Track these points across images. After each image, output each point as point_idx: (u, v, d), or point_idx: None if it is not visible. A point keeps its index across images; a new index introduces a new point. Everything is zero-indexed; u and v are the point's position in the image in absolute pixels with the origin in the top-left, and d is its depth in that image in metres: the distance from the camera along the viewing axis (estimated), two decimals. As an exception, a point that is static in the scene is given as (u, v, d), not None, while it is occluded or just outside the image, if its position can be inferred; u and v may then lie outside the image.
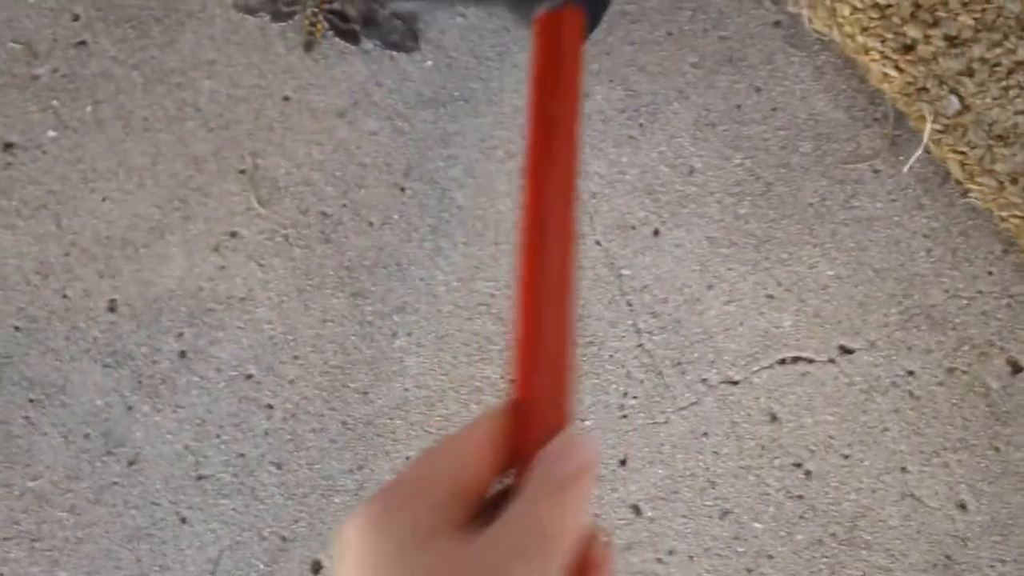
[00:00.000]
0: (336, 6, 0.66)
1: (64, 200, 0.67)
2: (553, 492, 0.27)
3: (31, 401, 0.61)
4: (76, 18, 0.72)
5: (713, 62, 0.68)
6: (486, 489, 0.29)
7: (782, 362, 0.60)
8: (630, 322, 0.61)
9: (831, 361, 0.60)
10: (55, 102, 0.70)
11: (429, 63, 0.68)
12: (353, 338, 0.62)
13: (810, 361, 0.60)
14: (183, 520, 0.58)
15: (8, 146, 0.69)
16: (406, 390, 0.61)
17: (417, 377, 0.61)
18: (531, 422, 0.30)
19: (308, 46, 0.66)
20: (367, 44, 0.66)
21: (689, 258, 0.63)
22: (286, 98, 0.67)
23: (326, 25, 0.66)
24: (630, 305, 0.62)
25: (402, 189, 0.65)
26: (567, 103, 0.44)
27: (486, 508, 0.29)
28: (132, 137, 0.67)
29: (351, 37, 0.66)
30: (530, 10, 0.51)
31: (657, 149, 0.66)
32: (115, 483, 0.59)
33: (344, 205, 0.65)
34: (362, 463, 0.59)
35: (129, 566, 0.57)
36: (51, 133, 0.69)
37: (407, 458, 0.59)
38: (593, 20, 0.52)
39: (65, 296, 0.64)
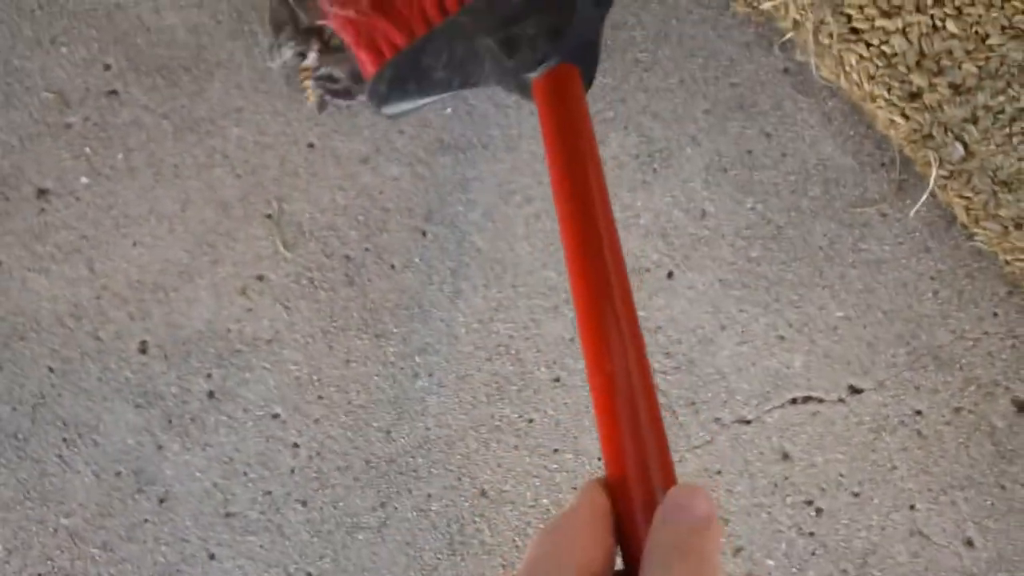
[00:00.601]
0: (323, 71, 0.69)
1: (96, 245, 0.71)
2: (683, 549, 0.25)
3: (64, 440, 0.65)
4: (107, 68, 0.76)
5: (724, 108, 0.71)
6: (612, 567, 0.28)
7: (793, 402, 0.63)
8: (645, 363, 0.64)
9: (841, 400, 0.63)
10: (87, 149, 0.74)
11: (449, 111, 0.71)
12: (376, 378, 0.65)
13: (820, 401, 0.63)
14: (212, 556, 0.61)
15: (42, 192, 0.72)
16: (428, 429, 0.64)
17: (438, 416, 0.64)
18: (633, 492, 0.30)
19: (320, 107, 0.70)
20: (363, 97, 0.70)
21: (702, 300, 0.66)
22: (311, 145, 0.71)
23: (321, 91, 0.69)
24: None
25: (423, 233, 0.69)
26: (590, 162, 0.47)
27: None
28: (162, 184, 0.71)
29: (345, 95, 0.69)
30: (525, 80, 0.54)
31: (670, 193, 0.69)
32: (146, 520, 0.62)
33: (367, 249, 0.68)
34: (384, 500, 0.62)
35: (160, 602, 0.60)
36: (83, 180, 0.73)
37: (428, 496, 0.62)
38: (587, 74, 0.55)
39: (97, 338, 0.68)
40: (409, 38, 0.58)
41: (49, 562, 0.62)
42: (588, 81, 0.55)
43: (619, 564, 0.29)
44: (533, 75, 0.53)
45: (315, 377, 0.65)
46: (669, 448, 0.33)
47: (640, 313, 0.65)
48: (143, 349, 0.67)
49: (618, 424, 0.32)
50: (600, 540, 0.27)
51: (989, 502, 0.59)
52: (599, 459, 0.62)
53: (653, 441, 0.32)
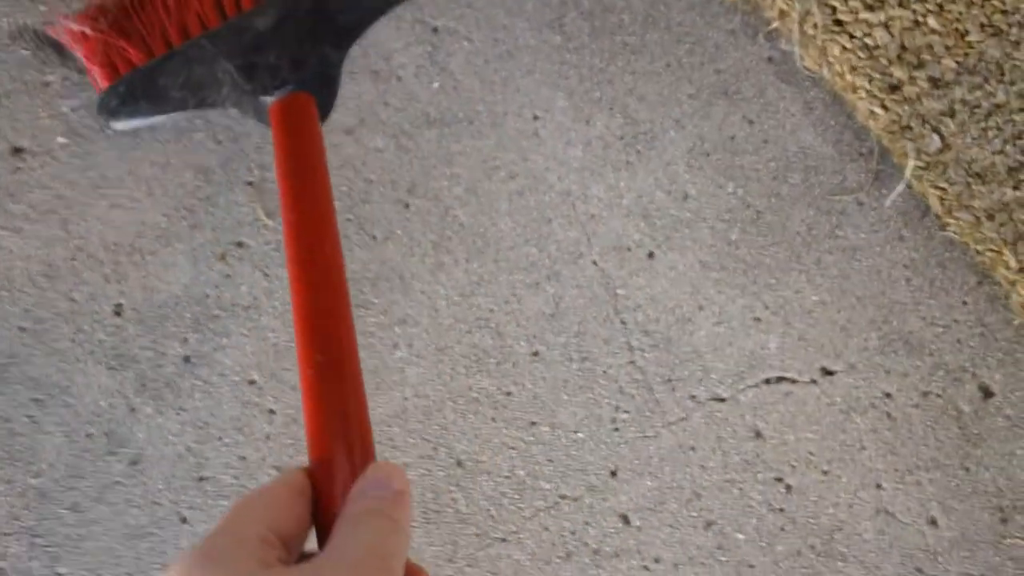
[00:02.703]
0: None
1: (72, 205, 0.72)
2: (375, 512, 0.28)
3: (35, 400, 0.66)
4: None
5: (709, 94, 0.75)
6: (303, 537, 0.31)
7: (767, 382, 0.67)
8: (623, 340, 0.68)
9: (813, 382, 0.67)
10: (64, 109, 0.75)
11: (436, 85, 0.74)
12: (355, 348, 0.68)
13: (793, 381, 0.67)
14: (183, 520, 0.63)
15: (17, 150, 0.74)
16: (405, 399, 0.66)
17: (416, 387, 0.67)
18: (334, 477, 0.33)
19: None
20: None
21: (682, 280, 0.69)
22: (294, 113, 0.73)
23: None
24: (624, 323, 0.68)
25: (406, 205, 0.71)
26: (317, 185, 0.50)
27: (306, 557, 0.30)
28: (141, 147, 0.73)
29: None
30: (262, 105, 0.58)
31: (653, 175, 0.72)
32: (117, 482, 0.64)
33: (349, 219, 0.71)
34: (361, 469, 0.65)
35: (129, 563, 0.62)
36: (61, 139, 0.74)
37: (404, 464, 0.65)
38: (323, 104, 0.59)
39: (71, 299, 0.70)
40: (147, 57, 0.60)
41: (15, 521, 0.63)
42: (324, 111, 0.59)
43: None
44: (269, 100, 0.57)
45: (292, 345, 0.68)
46: (371, 433, 0.36)
47: (620, 291, 0.69)
48: (118, 312, 0.69)
49: (321, 409, 0.35)
50: (292, 507, 0.30)
51: (954, 483, 0.64)
52: (575, 431, 0.65)
53: (356, 427, 0.35)
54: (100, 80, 0.62)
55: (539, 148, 0.73)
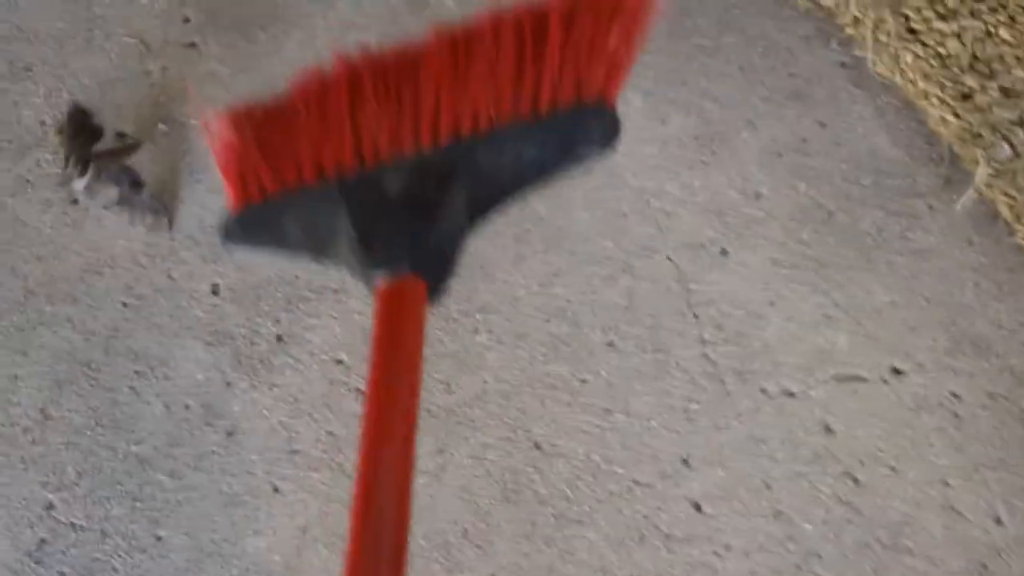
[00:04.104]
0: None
1: (170, 189, 0.75)
2: None
3: (136, 372, 0.69)
4: (187, 21, 0.81)
5: (782, 97, 0.76)
6: None
7: (837, 378, 0.68)
8: (696, 332, 0.69)
9: (883, 380, 0.68)
10: (163, 98, 0.78)
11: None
12: (439, 332, 0.70)
13: (863, 379, 0.68)
14: (276, 489, 0.66)
15: (120, 136, 0.77)
16: (485, 383, 0.69)
17: (496, 371, 0.69)
18: None
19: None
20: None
21: (753, 277, 0.71)
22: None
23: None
24: (696, 317, 0.70)
25: (487, 197, 0.74)
26: (406, 377, 0.50)
27: None
28: (237, 134, 0.76)
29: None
30: (372, 277, 0.58)
31: (727, 174, 0.74)
32: (213, 452, 0.67)
33: (433, 209, 0.73)
34: (443, 447, 0.67)
35: (224, 529, 0.65)
36: (161, 127, 0.77)
37: (484, 445, 0.67)
38: (435, 287, 0.59)
39: (170, 277, 0.72)
40: (279, 185, 0.61)
41: (118, 486, 0.66)
42: (435, 296, 0.59)
43: None
44: (379, 277, 0.57)
45: (379, 327, 0.70)
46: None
47: (693, 286, 0.70)
48: (215, 291, 0.72)
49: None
50: None
51: (1020, 483, 0.64)
52: (648, 420, 0.67)
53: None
54: (230, 199, 0.63)
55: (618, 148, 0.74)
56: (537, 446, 0.67)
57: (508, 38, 0.66)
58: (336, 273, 0.71)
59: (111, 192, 0.72)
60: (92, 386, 0.69)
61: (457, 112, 0.66)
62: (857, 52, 0.77)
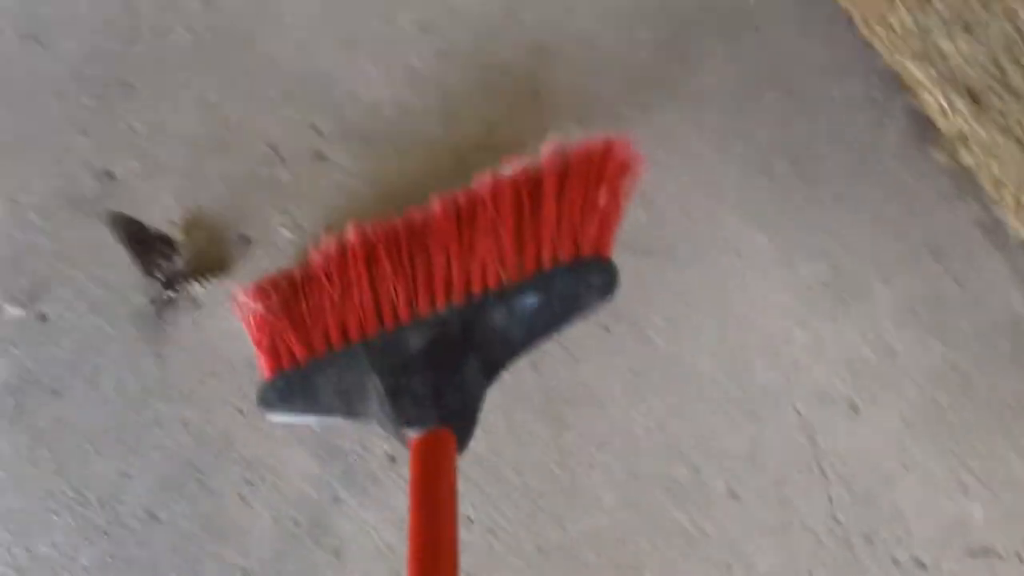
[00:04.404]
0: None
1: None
2: None
3: (246, 480, 0.78)
4: (319, 132, 0.93)
5: (918, 251, 0.85)
6: None
7: (971, 552, 0.73)
8: (822, 490, 0.76)
9: (1020, 558, 0.73)
10: (291, 205, 0.90)
11: (641, 215, 0.86)
12: (553, 465, 0.78)
13: (999, 557, 0.73)
14: (380, 617, 0.73)
15: (245, 239, 0.88)
16: (600, 523, 0.76)
17: (611, 512, 0.76)
18: None
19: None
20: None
21: (885, 436, 0.77)
22: (507, 230, 0.85)
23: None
24: (824, 474, 0.77)
25: (607, 330, 0.82)
26: (445, 518, 0.61)
27: None
28: (362, 247, 0.86)
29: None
30: (404, 433, 0.69)
31: (859, 327, 0.82)
32: (320, 571, 0.75)
33: (552, 339, 0.82)
34: (552, 588, 0.73)
35: (324, 654, 0.72)
36: (286, 233, 0.89)
37: (595, 590, 0.73)
38: (462, 437, 0.70)
39: (286, 386, 0.82)
40: (308, 352, 0.73)
41: (220, 598, 0.74)
42: (463, 443, 0.70)
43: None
44: (411, 432, 0.68)
45: (493, 455, 0.78)
46: None
47: (821, 441, 0.77)
48: (329, 404, 0.81)
49: None
50: None
51: None
52: (770, 579, 0.73)
53: None
54: (264, 368, 0.74)
55: (743, 288, 0.83)
56: (651, 596, 0.73)
57: (507, 203, 0.81)
58: (452, 396, 0.80)
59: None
60: (201, 491, 0.78)
61: (467, 274, 0.80)
62: (997, 213, 0.86)
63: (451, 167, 0.88)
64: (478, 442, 0.79)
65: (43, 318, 0.86)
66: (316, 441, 0.79)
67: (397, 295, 0.73)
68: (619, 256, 0.83)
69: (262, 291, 0.76)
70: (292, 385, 0.73)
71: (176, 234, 0.87)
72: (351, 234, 0.77)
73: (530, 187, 0.76)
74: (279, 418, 0.75)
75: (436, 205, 0.76)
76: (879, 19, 0.90)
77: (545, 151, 0.76)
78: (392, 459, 0.78)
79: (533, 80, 0.91)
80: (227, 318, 0.84)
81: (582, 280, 0.75)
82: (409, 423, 0.69)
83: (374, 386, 0.72)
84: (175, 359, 0.83)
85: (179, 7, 0.99)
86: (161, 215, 0.90)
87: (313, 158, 0.91)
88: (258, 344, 0.74)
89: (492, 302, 0.73)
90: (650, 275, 0.84)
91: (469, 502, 0.76)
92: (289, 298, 0.76)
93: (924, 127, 0.89)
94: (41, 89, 0.96)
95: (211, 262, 0.87)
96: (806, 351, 0.80)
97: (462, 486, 0.77)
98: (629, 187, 0.78)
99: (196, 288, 0.84)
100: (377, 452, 0.78)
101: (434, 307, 0.73)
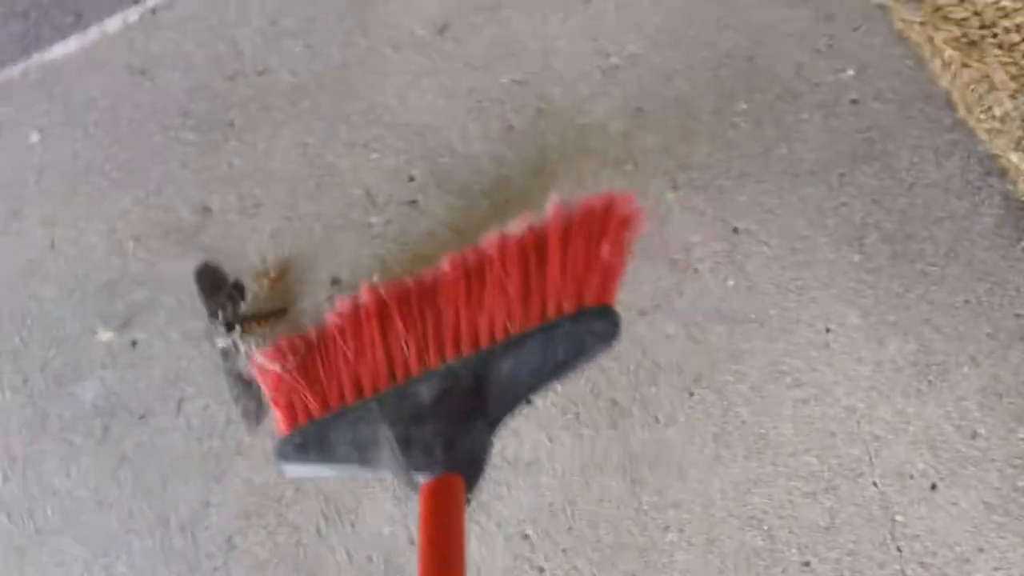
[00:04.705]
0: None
1: (379, 339, 0.99)
2: None
3: (324, 515, 0.90)
4: (412, 179, 1.08)
5: (1007, 336, 0.95)
6: None
7: (1047, 641, 0.83)
8: (898, 567, 0.86)
9: (1098, 651, 0.82)
10: (382, 251, 1.04)
11: (731, 282, 0.98)
12: (627, 523, 0.89)
13: (1076, 646, 0.82)
14: (447, 658, 0.84)
15: (336, 282, 1.02)
16: (671, 584, 0.86)
17: (684, 573, 0.87)
18: None
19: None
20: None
21: (963, 518, 0.87)
22: (593, 288, 0.98)
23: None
24: (899, 551, 0.87)
25: (690, 394, 0.94)
26: (453, 563, 0.72)
27: None
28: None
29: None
30: (415, 479, 0.81)
31: (943, 407, 0.92)
32: (391, 609, 0.86)
33: (634, 398, 0.94)
34: (620, 644, 0.84)
35: None
36: (376, 278, 1.02)
37: (664, 649, 0.84)
38: (471, 482, 0.82)
39: (368, 426, 0.95)
40: (324, 408, 0.85)
41: (293, 627, 0.86)
42: (471, 488, 0.82)
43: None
44: (422, 477, 0.80)
45: (568, 507, 0.90)
46: None
47: (899, 517, 0.88)
48: (409, 446, 0.94)
49: None
50: None
51: None
52: (840, 652, 0.83)
53: None
54: (282, 424, 0.87)
55: (829, 361, 0.94)
56: (719, 659, 0.83)
57: (513, 260, 0.95)
58: (530, 447, 0.92)
59: (243, 360, 0.97)
60: (280, 523, 0.90)
61: (475, 327, 0.94)
62: (1091, 301, 0.96)
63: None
64: (554, 493, 0.90)
65: (134, 344, 1.01)
66: (394, 483, 0.91)
67: (408, 350, 0.86)
68: (707, 322, 0.95)
69: (279, 352, 0.89)
70: (307, 439, 0.85)
71: (260, 274, 1.02)
72: (365, 295, 0.90)
73: (535, 243, 0.90)
74: (295, 470, 0.86)
75: (446, 263, 0.89)
76: (979, 104, 1.02)
77: (550, 208, 0.89)
78: (468, 503, 0.90)
79: (629, 141, 1.04)
80: (315, 355, 0.97)
81: (585, 328, 0.87)
82: (419, 469, 0.81)
83: (386, 436, 0.84)
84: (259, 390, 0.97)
85: (283, 50, 1.15)
86: (254, 252, 1.04)
87: (406, 205, 1.05)
88: (275, 402, 0.87)
89: (500, 352, 0.86)
90: (738, 342, 0.95)
91: (542, 552, 0.88)
92: (305, 357, 0.89)
93: (1020, 214, 1.00)
94: (146, 122, 1.12)
95: (275, 307, 1.01)
96: (888, 427, 0.91)
97: (535, 535, 0.88)
98: (630, 240, 0.90)
99: (256, 331, 0.97)
100: (454, 496, 0.90)
101: (444, 359, 0.86)
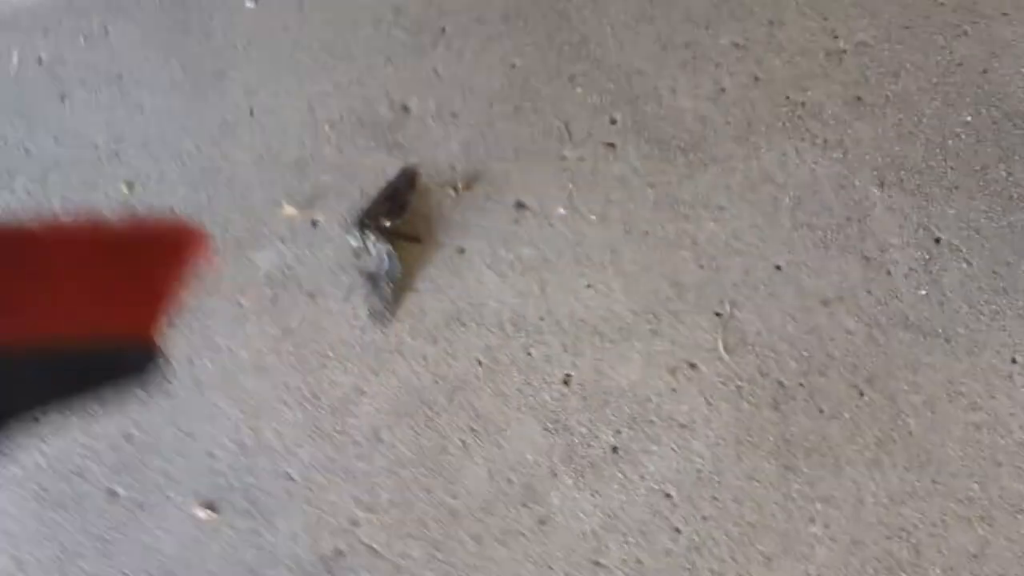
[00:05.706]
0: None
1: (554, 270, 1.00)
2: None
3: (472, 429, 0.92)
4: (613, 121, 1.08)
5: None
6: None
7: None
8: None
9: None
10: (571, 185, 1.04)
11: (923, 292, 0.96)
12: (773, 506, 0.89)
13: None
14: (570, 594, 0.85)
15: (521, 205, 1.03)
16: (806, 573, 0.86)
17: (822, 568, 0.86)
18: None
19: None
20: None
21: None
22: (778, 267, 0.97)
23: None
24: (1050, 597, 0.85)
25: (861, 393, 0.93)
26: None
27: None
28: (629, 243, 1.00)
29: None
30: None
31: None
32: (522, 533, 0.87)
33: (801, 384, 0.93)
34: (745, 622, 0.84)
35: (513, 612, 0.85)
36: (561, 210, 1.03)
37: (788, 638, 0.84)
38: None
39: (529, 353, 0.96)
40: None
41: (423, 529, 0.88)
42: None
43: None
44: None
45: (716, 477, 0.89)
46: None
47: (1055, 564, 0.86)
48: (566, 381, 0.94)
49: None
50: None
51: None
52: None
53: None
54: None
55: (1010, 392, 0.92)
56: (843, 660, 0.83)
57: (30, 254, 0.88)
58: (687, 409, 0.92)
59: (368, 262, 0.98)
60: (428, 427, 0.92)
61: None
62: None
63: (740, 189, 1.00)
64: (704, 460, 0.90)
65: (314, 224, 1.03)
66: (546, 412, 0.92)
67: None
68: (890, 326, 0.94)
69: None
70: None
71: (448, 183, 1.03)
72: None
73: (62, 244, 0.84)
74: None
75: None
76: None
77: (112, 214, 0.85)
78: (615, 450, 0.91)
79: (842, 128, 1.03)
80: (487, 271, 0.99)
81: (107, 360, 0.80)
82: None
83: None
84: (429, 296, 0.98)
85: (506, -32, 1.16)
86: (444, 159, 1.05)
87: (603, 146, 1.06)
88: None
89: None
90: (919, 353, 0.94)
91: (681, 515, 0.88)
92: None
93: None
94: (361, 10, 1.14)
95: (413, 234, 1.02)
96: None
97: (677, 496, 0.89)
98: (185, 274, 0.85)
99: (349, 240, 1.00)
100: (603, 439, 0.91)
101: None
